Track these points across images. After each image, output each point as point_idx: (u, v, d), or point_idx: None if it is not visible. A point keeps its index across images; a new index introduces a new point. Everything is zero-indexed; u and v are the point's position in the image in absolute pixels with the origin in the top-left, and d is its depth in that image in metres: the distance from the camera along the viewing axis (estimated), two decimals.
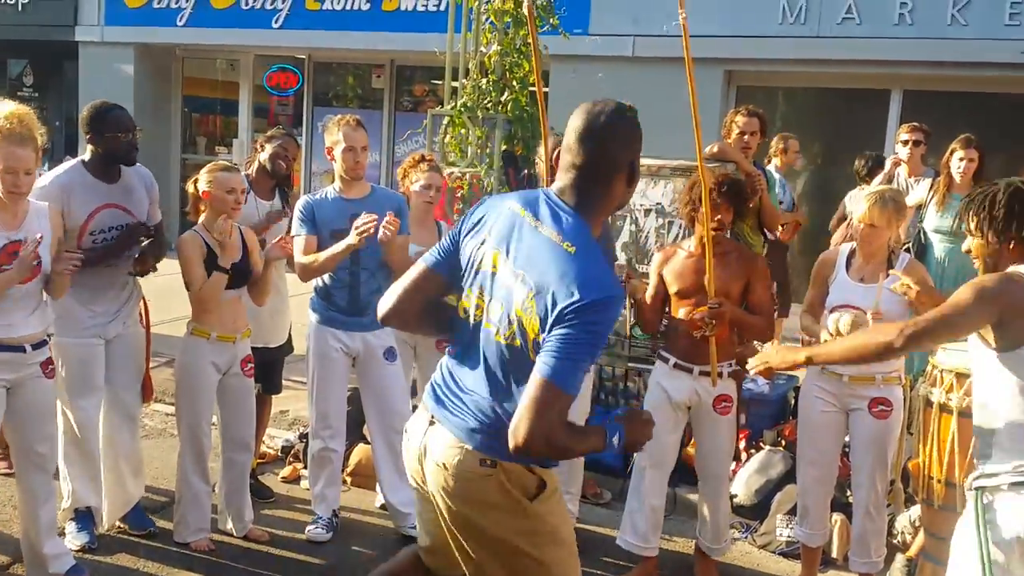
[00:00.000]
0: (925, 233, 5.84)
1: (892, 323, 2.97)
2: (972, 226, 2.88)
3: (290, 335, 5.30)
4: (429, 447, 2.57)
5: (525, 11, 4.21)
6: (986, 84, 8.99)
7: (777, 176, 7.30)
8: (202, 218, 4.34)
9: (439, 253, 2.67)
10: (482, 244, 2.55)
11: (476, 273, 2.55)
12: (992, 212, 2.82)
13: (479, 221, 2.59)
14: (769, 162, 7.42)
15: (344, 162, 4.49)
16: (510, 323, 2.43)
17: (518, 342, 2.42)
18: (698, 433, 4.39)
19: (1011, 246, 2.81)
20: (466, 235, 2.61)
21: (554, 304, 2.31)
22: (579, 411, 4.74)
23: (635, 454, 4.54)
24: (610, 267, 3.36)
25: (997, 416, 2.74)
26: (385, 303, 2.72)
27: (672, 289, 4.30)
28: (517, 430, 2.27)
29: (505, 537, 2.51)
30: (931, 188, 5.90)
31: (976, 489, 2.76)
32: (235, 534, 4.58)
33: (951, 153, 5.81)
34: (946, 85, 9.17)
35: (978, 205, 2.87)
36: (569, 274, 2.32)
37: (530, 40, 5.99)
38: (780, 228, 7.03)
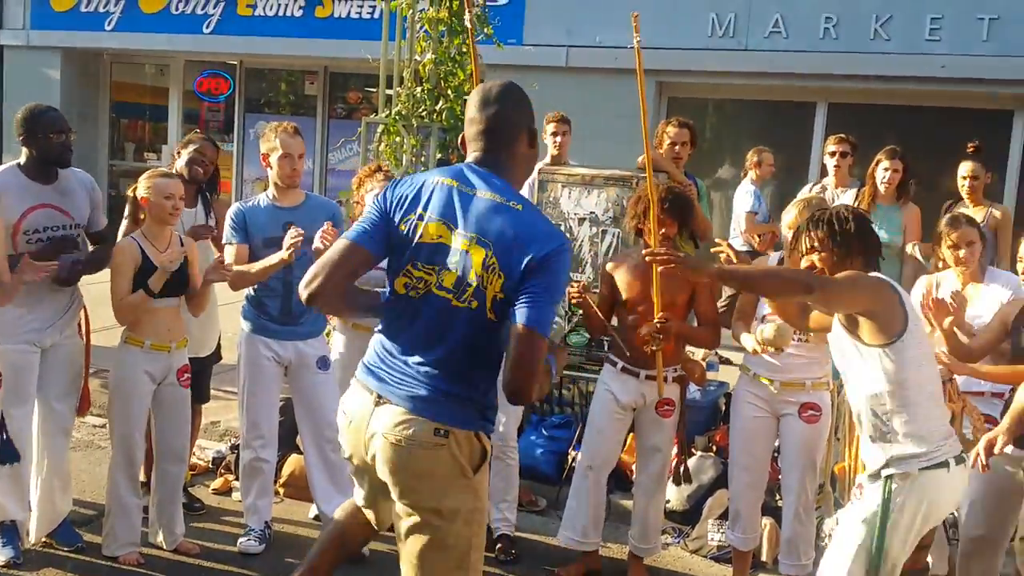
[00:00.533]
0: None
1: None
2: (816, 243, 3.20)
3: (219, 344, 5.24)
4: (377, 424, 2.63)
5: (467, 22, 4.22)
6: (908, 97, 9.26)
7: (752, 188, 7.41)
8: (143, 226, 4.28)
9: (367, 227, 2.70)
10: (419, 219, 2.63)
11: (417, 248, 2.62)
12: (843, 229, 3.15)
13: (406, 198, 2.68)
14: (745, 175, 7.51)
15: (281, 169, 4.45)
16: (467, 286, 2.55)
17: (475, 304, 2.55)
18: (639, 434, 4.48)
19: (854, 261, 3.14)
20: (394, 210, 2.68)
21: (519, 258, 2.49)
22: (511, 418, 4.76)
23: (577, 455, 4.61)
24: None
25: (900, 402, 3.03)
26: (311, 282, 2.68)
27: (622, 296, 4.38)
28: (516, 381, 2.46)
29: (443, 509, 2.61)
30: (856, 198, 6.05)
31: (885, 478, 3.02)
32: (165, 547, 4.49)
33: (876, 164, 5.97)
34: (870, 98, 9.42)
35: (826, 224, 3.19)
36: (526, 229, 2.53)
37: (465, 49, 6.02)
38: (758, 238, 7.16)
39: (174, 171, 4.97)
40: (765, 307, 4.10)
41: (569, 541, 4.54)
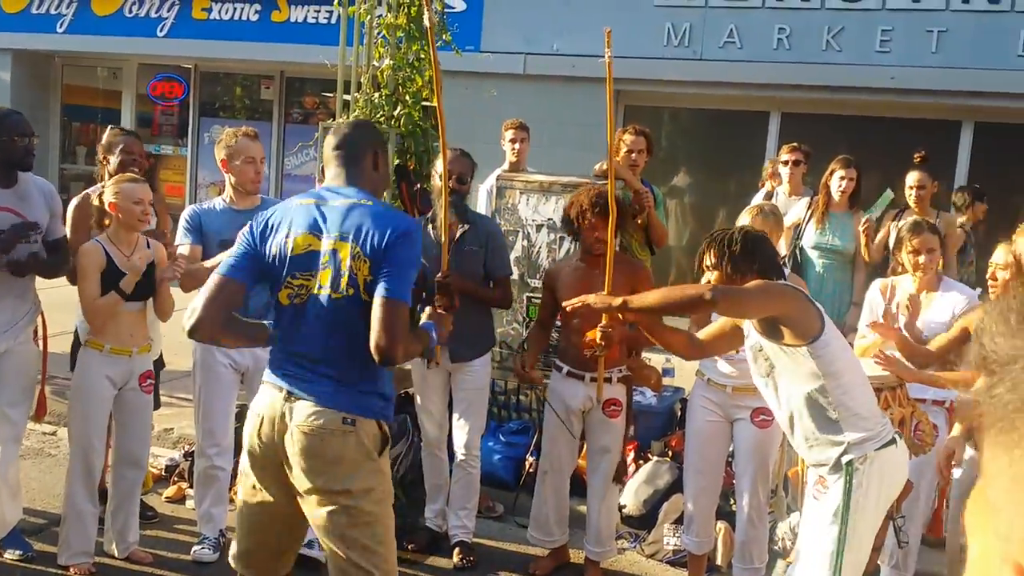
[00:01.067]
0: (803, 250, 6.06)
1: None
2: (711, 262, 3.42)
3: (161, 351, 5.17)
4: (289, 417, 2.89)
5: (427, 21, 4.22)
6: (859, 107, 9.41)
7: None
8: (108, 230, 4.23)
9: (236, 262, 2.98)
10: (286, 237, 2.93)
11: (292, 261, 2.92)
12: (731, 249, 3.35)
13: (270, 224, 2.98)
14: (762, 185, 7.28)
15: (244, 175, 4.43)
16: (342, 277, 2.87)
17: (352, 291, 2.86)
18: (589, 435, 4.55)
19: (746, 279, 3.31)
20: (262, 240, 2.97)
21: (378, 242, 2.85)
22: (474, 427, 4.77)
23: (535, 461, 4.69)
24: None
25: (842, 389, 3.18)
26: (190, 317, 2.95)
27: (561, 301, 4.39)
28: (380, 342, 2.78)
29: (354, 489, 2.87)
30: (809, 207, 6.14)
31: (846, 464, 3.16)
32: (117, 556, 4.44)
33: (831, 173, 6.05)
34: (822, 108, 9.56)
35: (718, 244, 3.39)
36: (378, 218, 2.90)
37: (423, 55, 6.02)
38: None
39: (105, 176, 4.90)
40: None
41: (536, 540, 4.69)
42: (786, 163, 6.57)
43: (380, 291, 2.81)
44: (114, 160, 4.85)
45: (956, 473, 3.98)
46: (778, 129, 9.77)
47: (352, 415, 2.87)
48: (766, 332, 3.27)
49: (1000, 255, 3.99)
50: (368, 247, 2.85)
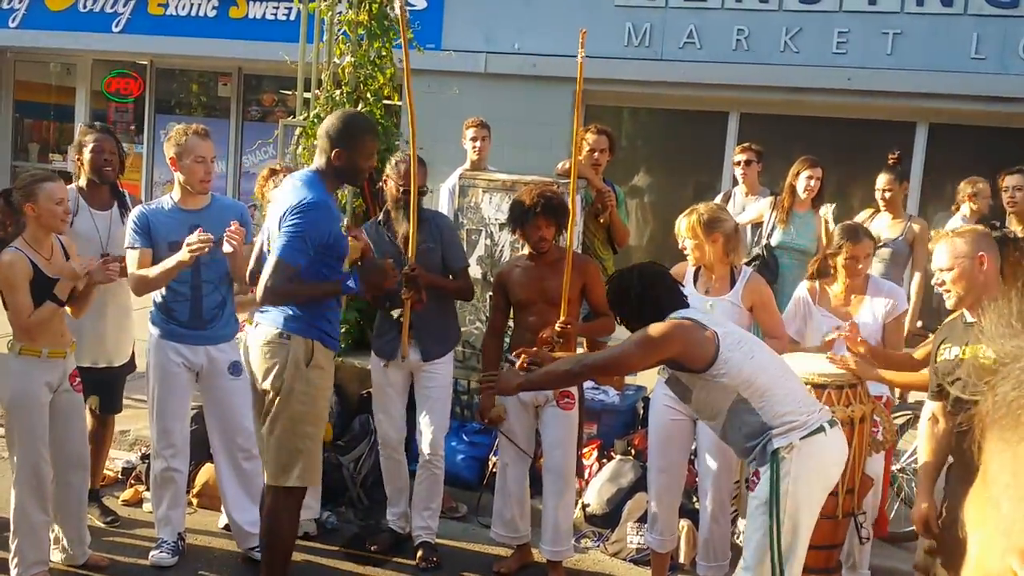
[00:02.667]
0: (770, 249, 6.05)
1: (581, 353, 3.76)
2: (614, 310, 3.62)
3: (133, 353, 5.09)
4: (251, 337, 3.90)
5: (397, 9, 4.20)
6: (817, 108, 9.51)
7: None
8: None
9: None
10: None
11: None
12: (628, 297, 3.49)
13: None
14: (957, 209, 6.75)
15: (194, 174, 4.36)
16: (272, 240, 3.76)
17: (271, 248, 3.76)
18: (544, 429, 4.55)
19: (645, 316, 3.42)
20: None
21: (283, 212, 3.67)
22: (439, 427, 4.75)
23: (497, 460, 4.66)
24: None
25: (759, 393, 3.29)
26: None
27: (513, 301, 4.51)
28: (258, 287, 3.71)
29: (290, 388, 3.76)
30: (772, 206, 6.16)
31: (771, 454, 3.26)
32: (76, 561, 4.34)
33: (797, 174, 6.05)
34: (780, 109, 9.65)
35: (615, 294, 3.57)
36: (292, 193, 3.73)
37: (384, 52, 5.98)
38: None
39: (81, 176, 4.81)
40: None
41: (500, 536, 4.67)
42: (738, 163, 6.61)
43: (273, 250, 3.72)
44: (87, 158, 4.75)
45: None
46: (737, 129, 9.83)
47: (286, 331, 3.77)
48: (669, 366, 3.44)
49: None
50: (281, 216, 3.71)
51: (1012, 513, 0.49)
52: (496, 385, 3.95)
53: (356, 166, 3.85)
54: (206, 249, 4.09)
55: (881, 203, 6.09)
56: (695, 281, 4.29)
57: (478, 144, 6.40)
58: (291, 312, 3.78)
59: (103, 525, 4.84)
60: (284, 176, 4.82)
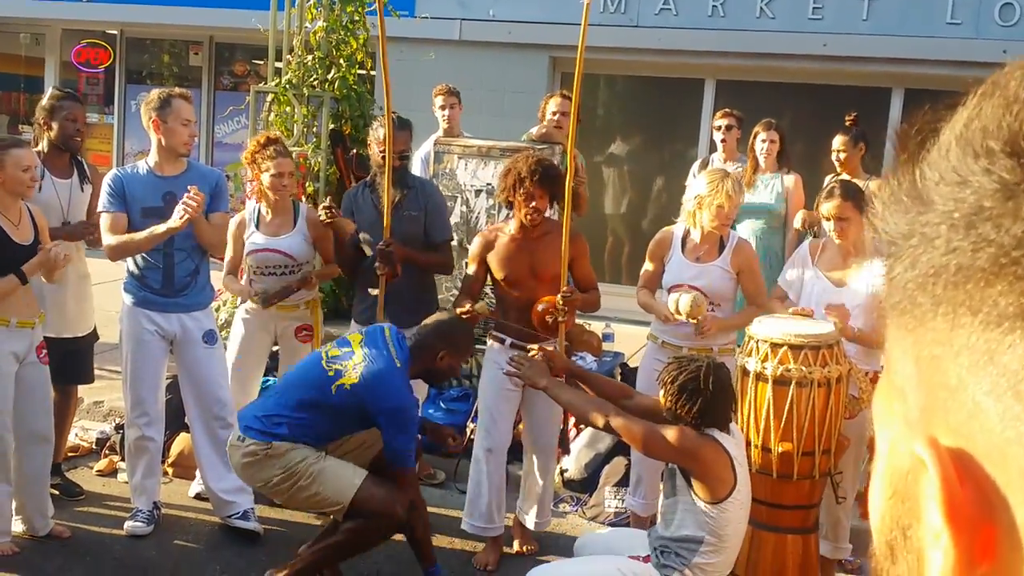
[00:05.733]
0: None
1: (614, 405, 3.46)
2: (668, 398, 3.27)
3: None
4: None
5: None
6: (793, 75, 9.49)
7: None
8: None
9: None
10: None
11: None
12: (695, 399, 3.19)
13: None
14: None
15: (178, 136, 4.29)
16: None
17: None
18: (529, 406, 4.45)
19: (691, 415, 3.21)
20: None
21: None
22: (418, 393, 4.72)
23: (475, 427, 4.61)
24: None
25: (712, 550, 3.21)
26: None
27: (499, 276, 4.34)
28: None
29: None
30: (742, 173, 6.16)
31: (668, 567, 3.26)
32: (38, 533, 4.29)
33: (754, 137, 6.10)
34: (756, 75, 9.62)
35: (687, 383, 3.23)
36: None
37: (357, 17, 5.91)
38: None
39: (46, 140, 4.72)
40: (675, 277, 4.18)
41: (474, 528, 4.47)
42: (719, 128, 6.59)
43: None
44: (56, 125, 4.66)
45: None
46: (713, 96, 9.80)
47: None
48: (680, 466, 3.30)
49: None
50: None
51: (916, 401, 0.47)
52: (524, 371, 3.73)
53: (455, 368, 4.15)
54: (197, 206, 4.03)
55: (836, 164, 6.10)
56: (683, 247, 4.27)
57: (447, 112, 6.32)
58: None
59: (66, 498, 4.76)
60: (277, 149, 4.71)
